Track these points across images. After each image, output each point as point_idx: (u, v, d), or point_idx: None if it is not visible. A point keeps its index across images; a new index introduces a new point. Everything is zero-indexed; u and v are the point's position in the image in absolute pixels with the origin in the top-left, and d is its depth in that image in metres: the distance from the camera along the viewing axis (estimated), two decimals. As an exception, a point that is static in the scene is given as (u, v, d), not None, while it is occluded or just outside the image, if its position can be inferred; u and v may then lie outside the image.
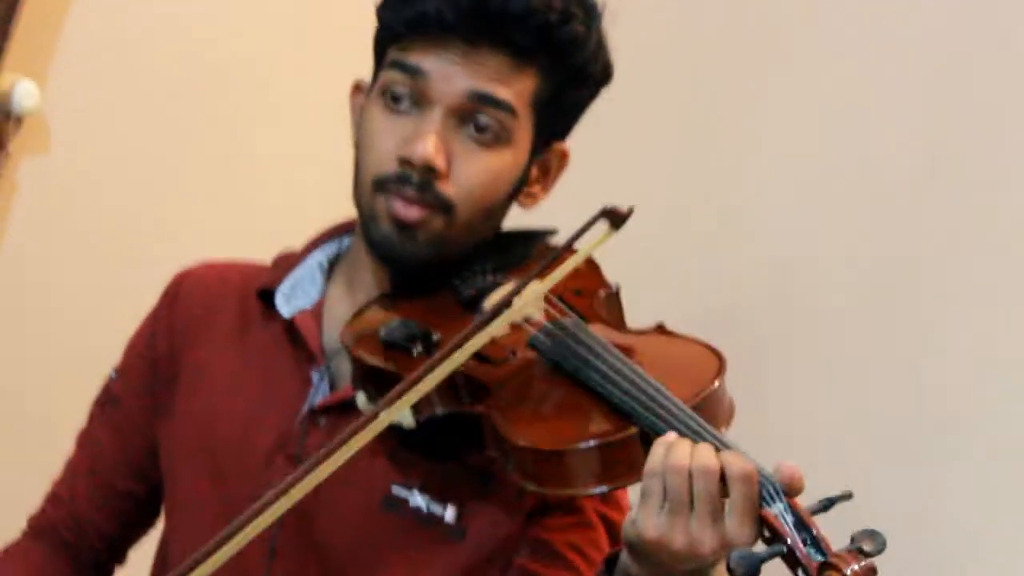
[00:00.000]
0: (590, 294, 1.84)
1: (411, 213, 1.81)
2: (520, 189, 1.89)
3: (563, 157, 1.92)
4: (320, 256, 1.97)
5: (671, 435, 1.56)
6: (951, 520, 2.30)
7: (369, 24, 1.89)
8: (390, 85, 1.83)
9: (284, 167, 2.94)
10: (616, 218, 1.76)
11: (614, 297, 1.87)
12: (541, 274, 1.76)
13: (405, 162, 1.80)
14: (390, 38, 1.84)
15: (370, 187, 1.83)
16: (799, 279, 2.55)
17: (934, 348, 2.37)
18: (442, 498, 1.80)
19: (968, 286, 2.35)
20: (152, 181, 2.86)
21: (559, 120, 1.90)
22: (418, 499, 1.80)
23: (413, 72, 1.81)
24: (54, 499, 1.99)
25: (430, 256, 1.84)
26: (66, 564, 1.97)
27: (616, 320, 1.86)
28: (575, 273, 1.81)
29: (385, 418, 1.65)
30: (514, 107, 1.82)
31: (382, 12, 1.86)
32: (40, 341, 2.80)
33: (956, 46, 2.42)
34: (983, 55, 2.39)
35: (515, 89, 1.82)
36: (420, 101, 1.81)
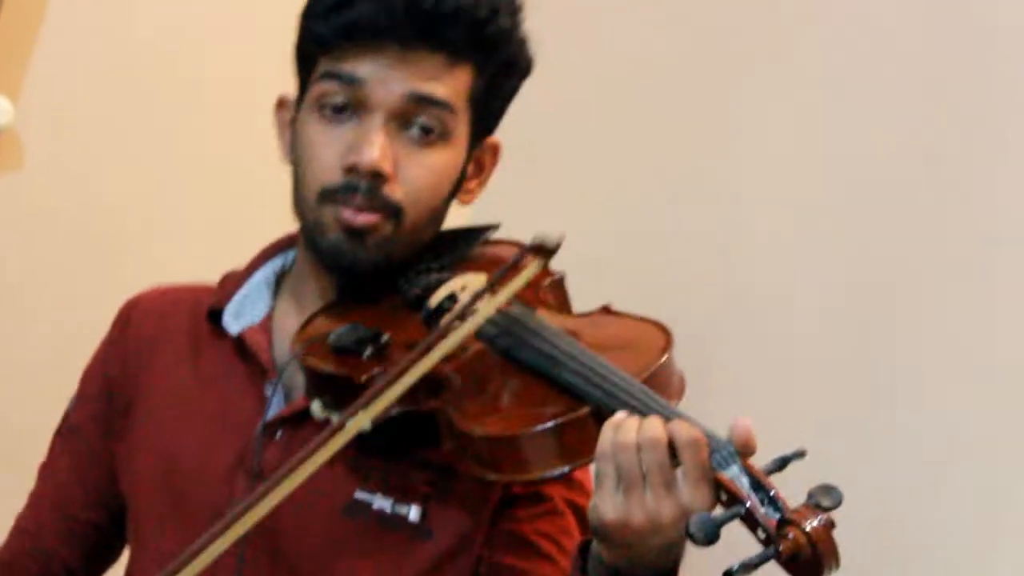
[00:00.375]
0: (535, 283, 1.84)
1: (359, 219, 1.81)
2: (459, 186, 1.89)
3: (495, 151, 1.94)
4: (266, 272, 1.97)
5: (619, 415, 1.57)
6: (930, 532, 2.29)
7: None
8: (326, 96, 1.83)
9: (257, 180, 2.83)
10: (545, 252, 1.79)
11: (559, 284, 1.88)
12: (492, 290, 1.77)
13: (351, 170, 1.80)
14: (319, 48, 1.84)
15: (315, 199, 1.83)
16: (775, 300, 2.55)
17: (909, 368, 2.38)
18: (405, 498, 1.80)
19: (946, 310, 2.35)
20: (126, 195, 2.86)
21: (492, 114, 1.91)
22: (381, 502, 1.80)
23: (349, 81, 1.81)
24: (20, 532, 1.99)
25: (378, 261, 1.83)
26: None
27: (562, 305, 1.87)
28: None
29: (349, 430, 1.66)
30: (452, 105, 1.83)
31: (308, 22, 1.85)
32: (15, 353, 2.80)
33: (946, 88, 2.42)
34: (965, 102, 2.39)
35: (452, 86, 1.83)
36: (359, 108, 1.82)
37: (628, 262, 2.67)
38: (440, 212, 1.89)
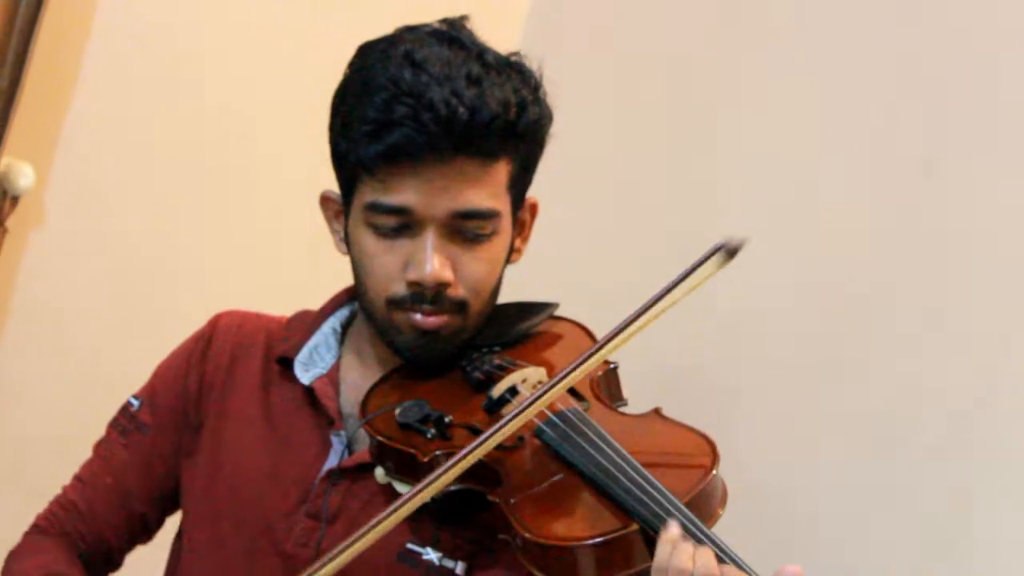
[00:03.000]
0: (592, 374, 1.85)
1: (431, 321, 1.84)
2: (510, 255, 1.92)
3: (534, 208, 1.96)
4: (334, 321, 1.99)
5: (674, 531, 1.61)
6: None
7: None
8: (377, 222, 1.84)
9: (266, 244, 2.95)
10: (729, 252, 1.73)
11: (613, 373, 1.90)
12: (551, 384, 1.75)
13: (415, 284, 1.83)
14: (361, 169, 1.84)
15: (383, 305, 1.86)
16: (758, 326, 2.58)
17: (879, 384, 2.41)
18: (453, 555, 1.83)
19: (910, 335, 2.38)
20: (140, 252, 2.89)
21: (527, 183, 1.92)
22: (431, 554, 1.83)
23: (397, 211, 1.82)
24: (70, 506, 1.99)
25: (452, 350, 1.88)
26: (76, 560, 1.97)
27: (615, 396, 1.89)
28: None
29: (412, 504, 1.69)
30: (497, 210, 1.85)
31: (347, 143, 1.85)
32: (40, 405, 2.82)
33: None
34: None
35: (492, 187, 1.84)
36: (411, 226, 1.83)
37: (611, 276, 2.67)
38: (499, 287, 1.91)
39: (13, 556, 1.99)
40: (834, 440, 2.43)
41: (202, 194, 2.94)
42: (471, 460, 1.70)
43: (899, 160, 2.46)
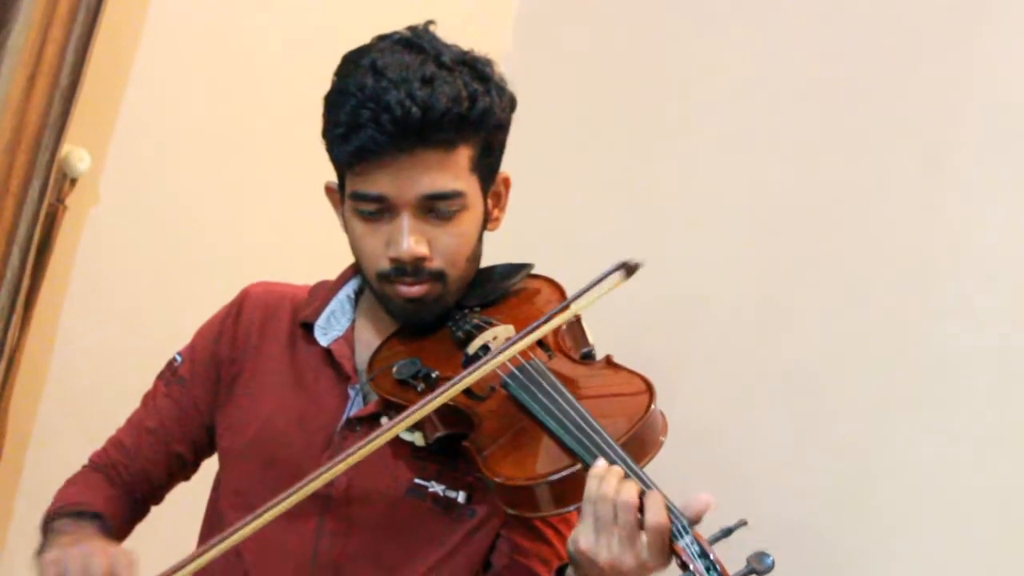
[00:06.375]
0: (556, 328, 1.99)
1: (414, 290, 1.99)
2: (485, 224, 2.04)
3: (507, 182, 2.07)
4: (348, 289, 2.13)
5: (600, 466, 1.74)
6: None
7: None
8: (360, 208, 1.97)
9: (307, 224, 2.93)
10: (629, 269, 1.90)
11: (577, 324, 2.02)
12: (518, 339, 1.92)
13: (395, 260, 1.97)
14: (342, 165, 1.99)
15: (375, 279, 2.00)
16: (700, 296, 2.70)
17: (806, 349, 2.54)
18: (455, 486, 1.99)
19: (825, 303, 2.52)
20: (186, 228, 2.99)
21: (495, 161, 2.03)
22: (436, 487, 1.98)
23: (373, 199, 1.96)
24: (119, 445, 2.14)
25: (438, 312, 2.02)
26: (120, 494, 2.12)
27: (580, 344, 2.01)
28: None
29: (394, 431, 1.86)
30: (461, 190, 1.96)
31: (326, 143, 2.00)
32: (92, 367, 2.93)
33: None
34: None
35: (454, 170, 1.95)
36: (388, 211, 1.97)
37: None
38: (476, 254, 2.03)
39: (66, 482, 2.16)
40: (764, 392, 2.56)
41: (244, 176, 3.04)
42: (438, 403, 1.87)
43: (832, 147, 2.61)
